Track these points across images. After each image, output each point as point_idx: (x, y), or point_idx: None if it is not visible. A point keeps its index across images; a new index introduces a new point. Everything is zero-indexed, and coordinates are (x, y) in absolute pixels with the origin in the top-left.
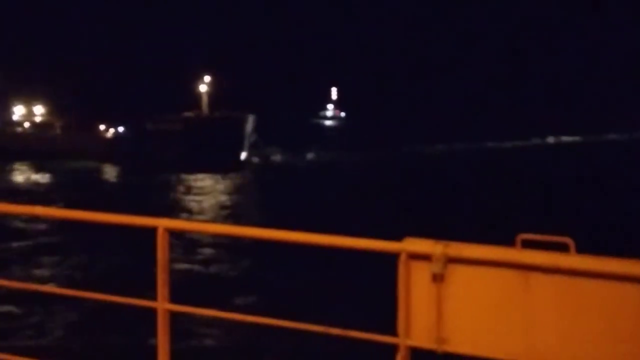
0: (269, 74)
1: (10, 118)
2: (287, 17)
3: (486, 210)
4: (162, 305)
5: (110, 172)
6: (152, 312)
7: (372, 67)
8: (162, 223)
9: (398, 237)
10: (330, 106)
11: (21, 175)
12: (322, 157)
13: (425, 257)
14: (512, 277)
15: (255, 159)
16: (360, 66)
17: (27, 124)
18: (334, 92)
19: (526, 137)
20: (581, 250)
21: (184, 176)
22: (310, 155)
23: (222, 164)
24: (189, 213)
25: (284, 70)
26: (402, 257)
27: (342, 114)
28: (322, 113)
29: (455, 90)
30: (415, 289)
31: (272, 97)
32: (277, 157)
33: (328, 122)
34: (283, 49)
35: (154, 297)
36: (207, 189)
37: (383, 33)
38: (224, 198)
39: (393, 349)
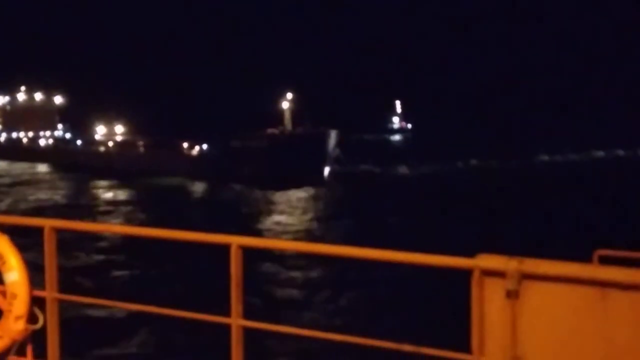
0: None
1: (92, 137)
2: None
3: (561, 225)
4: (236, 321)
5: (195, 189)
6: (226, 328)
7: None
8: (236, 240)
9: (470, 254)
10: (395, 119)
11: (104, 192)
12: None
13: (499, 274)
14: (589, 294)
15: (341, 172)
16: (423, 80)
17: (110, 143)
18: (398, 105)
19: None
20: None
21: (268, 192)
22: (402, 169)
23: (306, 180)
24: (269, 229)
25: (351, 84)
26: (476, 274)
27: (409, 126)
28: (388, 126)
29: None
30: (489, 306)
31: (342, 112)
32: (367, 170)
33: (396, 135)
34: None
35: (227, 314)
36: (290, 204)
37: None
38: (307, 213)
39: None
